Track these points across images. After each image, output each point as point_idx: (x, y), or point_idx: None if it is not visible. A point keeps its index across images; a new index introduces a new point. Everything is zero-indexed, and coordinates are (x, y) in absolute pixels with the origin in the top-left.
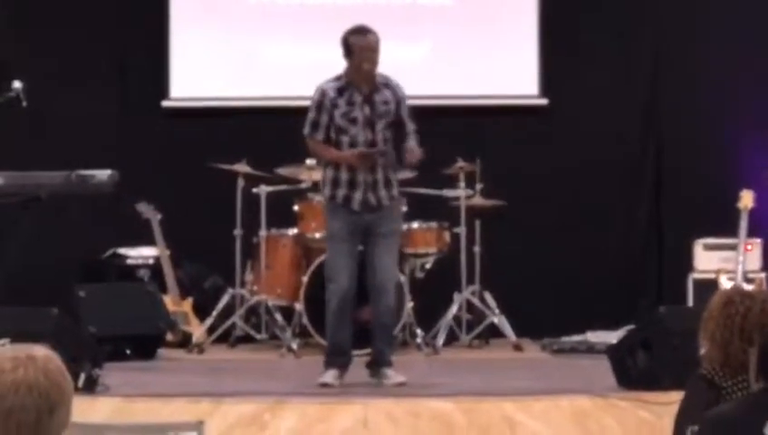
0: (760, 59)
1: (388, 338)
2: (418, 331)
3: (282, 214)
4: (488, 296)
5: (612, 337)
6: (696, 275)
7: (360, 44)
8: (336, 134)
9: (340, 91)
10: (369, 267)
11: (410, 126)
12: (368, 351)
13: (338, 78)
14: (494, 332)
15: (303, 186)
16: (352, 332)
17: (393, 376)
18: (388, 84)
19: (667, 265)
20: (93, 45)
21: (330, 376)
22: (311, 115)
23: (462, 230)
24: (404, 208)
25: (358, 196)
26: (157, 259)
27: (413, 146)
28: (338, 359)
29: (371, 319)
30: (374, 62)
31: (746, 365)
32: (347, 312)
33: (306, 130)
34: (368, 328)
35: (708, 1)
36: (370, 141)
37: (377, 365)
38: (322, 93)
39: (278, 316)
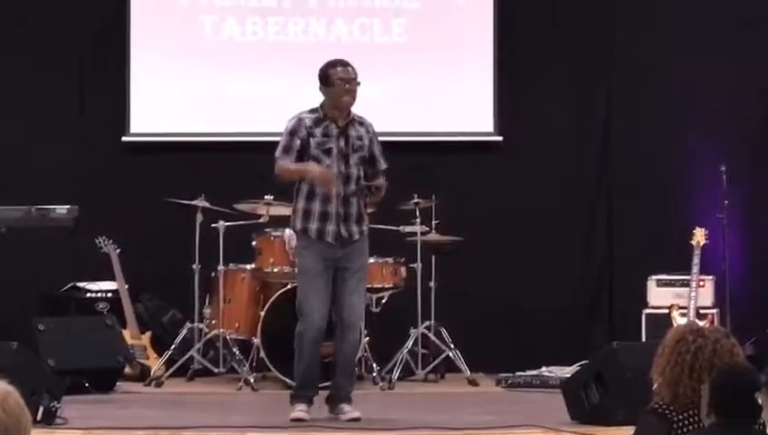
0: (710, 99)
1: (350, 374)
2: (374, 365)
3: (240, 249)
4: (443, 331)
5: (566, 372)
6: (649, 311)
7: (339, 76)
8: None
9: (317, 122)
10: (336, 302)
11: (382, 165)
12: (326, 384)
13: (313, 110)
14: (449, 366)
15: (261, 220)
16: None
17: (349, 412)
18: (362, 122)
19: (621, 301)
20: (53, 79)
21: (301, 411)
22: (284, 140)
23: (418, 266)
24: None
25: (331, 228)
26: (116, 293)
27: (381, 183)
28: (309, 392)
29: (333, 354)
30: (353, 94)
31: (696, 402)
32: (317, 347)
33: (277, 152)
34: (326, 362)
35: (657, 45)
36: (344, 175)
37: (336, 400)
38: (299, 121)
39: (236, 350)
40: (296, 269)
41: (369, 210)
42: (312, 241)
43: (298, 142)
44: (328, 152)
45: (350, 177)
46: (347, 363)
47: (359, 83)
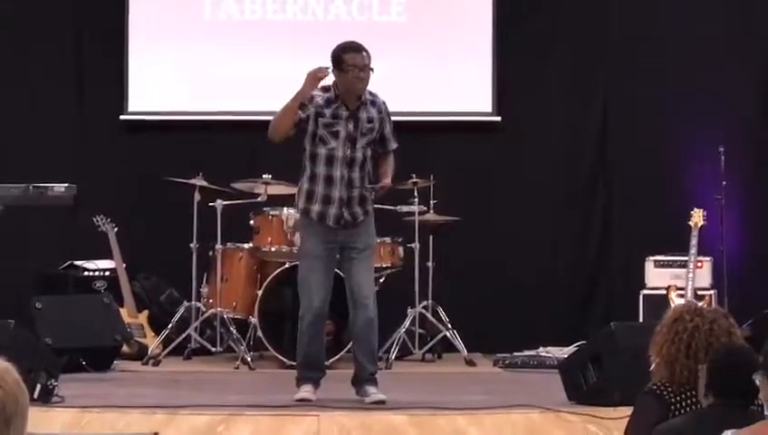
0: (709, 80)
1: (369, 353)
2: None
3: (238, 228)
4: (441, 311)
5: (564, 353)
6: (646, 292)
7: (353, 62)
8: (316, 142)
9: (328, 102)
10: (346, 282)
11: (392, 144)
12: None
13: (326, 89)
14: (446, 346)
15: (260, 199)
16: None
17: (374, 394)
18: (374, 102)
19: (619, 282)
20: (51, 58)
21: (306, 392)
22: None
23: (415, 246)
24: None
25: (333, 211)
26: (113, 271)
27: (386, 184)
28: (312, 374)
29: (331, 332)
30: (366, 81)
31: (690, 381)
32: (320, 328)
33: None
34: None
35: (656, 26)
36: (349, 158)
37: (359, 381)
38: (310, 98)
39: (233, 329)
40: (297, 250)
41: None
42: (314, 223)
43: (306, 112)
44: (335, 135)
45: (355, 160)
46: (363, 342)
47: (372, 69)
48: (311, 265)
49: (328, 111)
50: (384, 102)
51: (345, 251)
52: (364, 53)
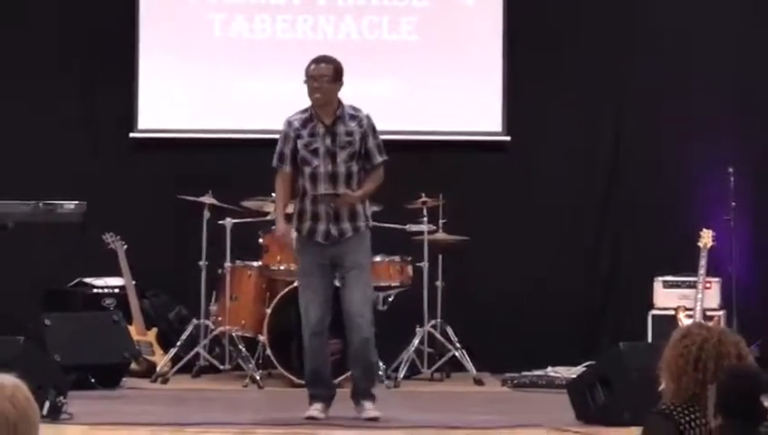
0: (718, 101)
1: (363, 369)
2: (380, 363)
3: (247, 246)
4: (449, 330)
5: (572, 373)
6: (655, 312)
7: (309, 73)
8: (300, 165)
9: (305, 123)
10: (341, 301)
11: (377, 158)
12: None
13: (305, 110)
14: (455, 365)
15: (269, 218)
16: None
17: (369, 410)
18: (355, 116)
19: (627, 302)
20: (62, 76)
21: (315, 410)
22: (278, 147)
23: (425, 265)
24: None
25: (321, 227)
26: (122, 289)
27: (346, 194)
28: (320, 391)
29: (337, 351)
30: (320, 90)
31: (697, 397)
32: (321, 344)
33: (274, 162)
34: (333, 360)
35: (666, 49)
36: (331, 173)
37: (356, 395)
38: (288, 124)
39: (242, 347)
40: None
41: (375, 208)
42: (306, 240)
43: (289, 148)
44: (315, 152)
45: (338, 175)
46: (357, 358)
47: (337, 80)
48: (305, 282)
49: (305, 131)
50: (367, 117)
51: (336, 268)
52: (322, 65)
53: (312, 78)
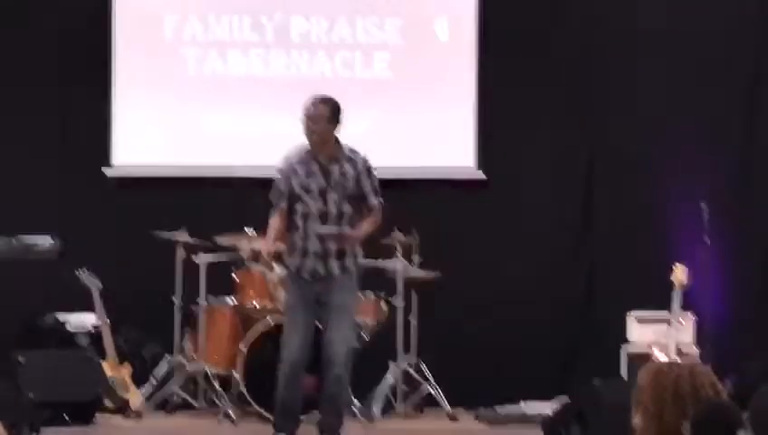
0: (692, 136)
1: (333, 410)
2: (354, 400)
3: (221, 283)
4: (424, 367)
5: (546, 407)
6: (629, 347)
7: (304, 113)
8: (293, 201)
9: (302, 161)
10: (322, 338)
11: (372, 200)
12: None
13: (303, 150)
14: (429, 401)
15: (243, 255)
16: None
17: None
18: (352, 158)
19: (601, 338)
20: (35, 110)
21: None
22: (275, 183)
23: (399, 301)
24: None
25: (308, 264)
26: (96, 326)
27: (342, 232)
28: (285, 422)
29: (312, 388)
30: (315, 131)
31: (678, 433)
32: (297, 378)
33: (272, 199)
34: (309, 396)
35: (641, 80)
36: (323, 212)
37: (321, 432)
38: (285, 161)
39: (216, 384)
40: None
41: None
42: (293, 275)
43: (285, 185)
44: (309, 191)
45: (329, 215)
46: (328, 398)
47: (334, 121)
48: (291, 318)
49: (302, 170)
50: (364, 160)
51: (321, 306)
52: (320, 105)
53: (308, 118)
